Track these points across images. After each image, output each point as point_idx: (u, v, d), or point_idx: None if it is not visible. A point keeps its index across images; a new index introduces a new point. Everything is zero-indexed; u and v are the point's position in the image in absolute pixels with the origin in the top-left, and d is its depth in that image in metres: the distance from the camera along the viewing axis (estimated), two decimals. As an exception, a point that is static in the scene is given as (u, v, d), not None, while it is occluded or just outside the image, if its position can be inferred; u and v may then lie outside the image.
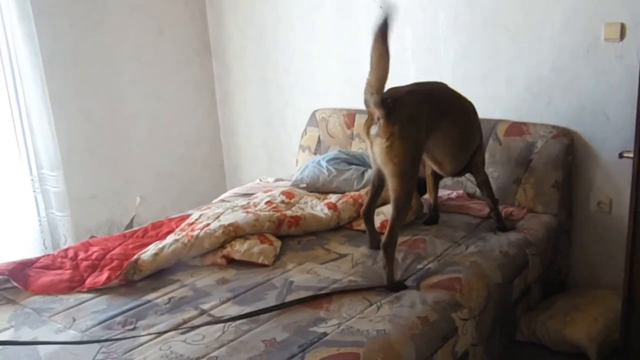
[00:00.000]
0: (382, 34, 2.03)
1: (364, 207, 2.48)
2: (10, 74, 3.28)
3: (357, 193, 2.82)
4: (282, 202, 2.86)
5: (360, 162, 3.18)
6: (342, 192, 2.95)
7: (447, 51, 3.19)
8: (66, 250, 2.51)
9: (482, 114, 3.10)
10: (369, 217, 2.48)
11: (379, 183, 2.38)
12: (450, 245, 2.49)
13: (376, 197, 2.43)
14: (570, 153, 2.84)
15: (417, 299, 2.03)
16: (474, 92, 3.12)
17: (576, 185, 2.92)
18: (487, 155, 2.98)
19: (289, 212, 2.67)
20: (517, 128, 2.97)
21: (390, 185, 2.19)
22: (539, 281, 2.68)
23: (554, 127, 2.88)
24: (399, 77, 3.29)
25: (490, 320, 2.24)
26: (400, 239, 2.48)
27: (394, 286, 2.13)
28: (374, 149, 2.20)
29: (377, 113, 2.13)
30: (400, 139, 2.13)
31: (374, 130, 2.18)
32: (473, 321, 2.10)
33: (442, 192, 3.02)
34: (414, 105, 2.23)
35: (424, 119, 2.23)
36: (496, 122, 3.04)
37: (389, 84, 2.66)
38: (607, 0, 2.65)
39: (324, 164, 3.14)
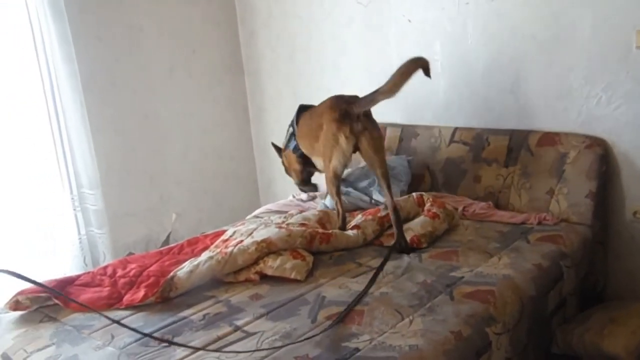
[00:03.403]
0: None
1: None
2: (51, 97, 3.41)
3: (375, 208, 2.86)
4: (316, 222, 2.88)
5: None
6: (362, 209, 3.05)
7: (477, 62, 3.19)
8: (105, 267, 2.58)
9: (513, 124, 3.11)
10: None
11: None
12: (483, 256, 2.47)
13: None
14: (604, 163, 2.80)
15: (450, 312, 2.02)
16: (505, 102, 3.13)
17: (610, 195, 2.88)
18: (519, 167, 2.98)
19: (320, 230, 2.70)
20: (549, 138, 2.94)
21: (381, 167, 2.65)
22: (575, 293, 2.64)
23: (586, 136, 2.85)
24: (430, 91, 3.33)
25: (525, 333, 2.22)
26: (434, 251, 2.56)
27: (404, 248, 2.56)
28: (366, 142, 2.59)
29: (361, 113, 2.58)
30: (380, 130, 2.70)
31: (358, 127, 2.57)
32: (507, 335, 2.08)
33: (469, 202, 3.04)
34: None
35: None
36: (528, 133, 3.02)
37: (419, 93, 3.19)
38: (638, 7, 2.62)
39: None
